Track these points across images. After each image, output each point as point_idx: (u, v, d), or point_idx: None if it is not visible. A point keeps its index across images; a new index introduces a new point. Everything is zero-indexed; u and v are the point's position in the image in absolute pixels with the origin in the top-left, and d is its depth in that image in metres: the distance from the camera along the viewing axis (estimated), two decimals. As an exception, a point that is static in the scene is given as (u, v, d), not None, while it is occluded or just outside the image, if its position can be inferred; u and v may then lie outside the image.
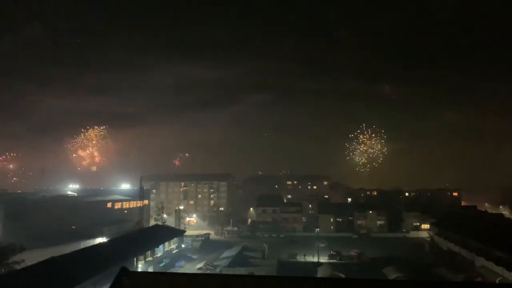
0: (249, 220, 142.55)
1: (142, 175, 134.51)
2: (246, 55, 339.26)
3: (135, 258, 72.95)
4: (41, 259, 56.70)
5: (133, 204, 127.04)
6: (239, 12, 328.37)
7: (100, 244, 79.29)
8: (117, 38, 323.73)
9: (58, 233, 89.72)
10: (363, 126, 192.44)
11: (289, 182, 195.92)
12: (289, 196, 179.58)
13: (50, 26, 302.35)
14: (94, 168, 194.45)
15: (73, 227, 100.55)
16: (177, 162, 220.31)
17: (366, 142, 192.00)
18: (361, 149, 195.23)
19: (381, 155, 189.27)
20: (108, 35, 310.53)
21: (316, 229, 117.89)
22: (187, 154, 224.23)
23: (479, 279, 68.18)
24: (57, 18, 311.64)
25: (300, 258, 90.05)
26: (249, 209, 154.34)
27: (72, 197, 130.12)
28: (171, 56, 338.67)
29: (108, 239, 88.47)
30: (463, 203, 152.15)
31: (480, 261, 75.79)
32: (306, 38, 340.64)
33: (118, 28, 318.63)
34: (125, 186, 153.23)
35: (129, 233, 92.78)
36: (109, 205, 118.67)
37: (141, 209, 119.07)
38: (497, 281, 63.55)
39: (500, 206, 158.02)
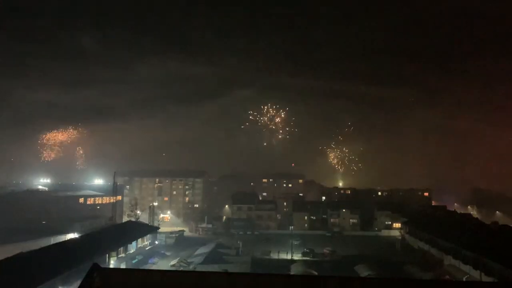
0: (224, 217, 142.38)
1: (116, 171, 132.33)
2: (227, 51, 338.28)
3: (107, 255, 71.93)
4: (8, 255, 55.31)
5: (106, 199, 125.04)
6: (220, 7, 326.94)
7: (71, 240, 77.80)
8: (96, 31, 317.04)
9: (27, 228, 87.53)
10: (340, 125, 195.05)
11: (264, 180, 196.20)
12: (264, 194, 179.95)
13: (28, 15, 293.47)
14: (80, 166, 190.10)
15: (43, 222, 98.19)
16: None
17: (342, 142, 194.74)
18: (337, 148, 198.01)
19: (356, 155, 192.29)
20: (86, 28, 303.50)
21: (290, 227, 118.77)
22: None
23: (447, 277, 70.19)
24: (35, 6, 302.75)
25: (274, 256, 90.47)
26: (224, 206, 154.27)
27: (42, 192, 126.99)
28: (151, 51, 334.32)
29: (79, 235, 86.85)
30: (433, 203, 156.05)
31: (448, 260, 77.97)
32: (288, 35, 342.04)
33: (97, 21, 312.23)
34: (98, 181, 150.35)
35: (101, 229, 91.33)
36: (81, 200, 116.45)
37: (114, 205, 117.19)
38: (464, 279, 65.46)
39: (468, 206, 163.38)
